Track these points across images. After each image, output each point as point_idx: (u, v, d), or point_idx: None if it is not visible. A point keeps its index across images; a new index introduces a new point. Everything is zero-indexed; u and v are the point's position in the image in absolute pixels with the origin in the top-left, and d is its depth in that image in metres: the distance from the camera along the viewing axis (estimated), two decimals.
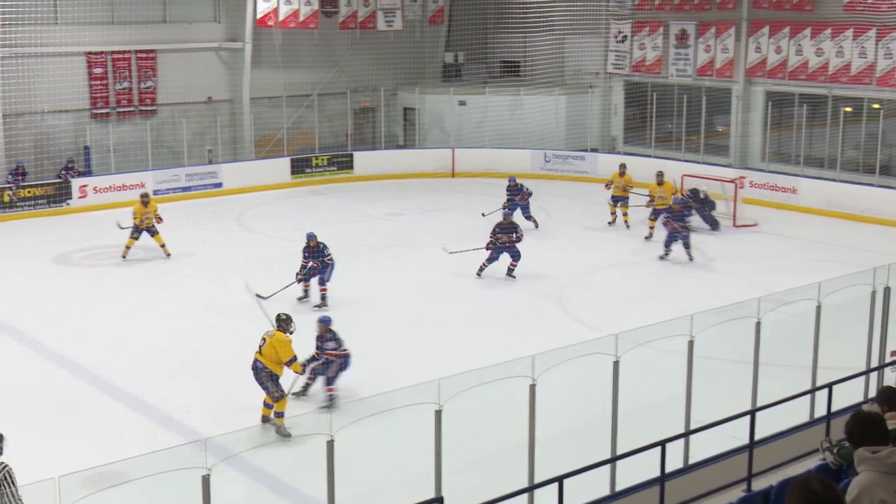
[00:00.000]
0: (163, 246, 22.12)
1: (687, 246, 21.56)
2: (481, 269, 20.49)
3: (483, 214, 24.62)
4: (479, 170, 31.73)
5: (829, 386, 10.69)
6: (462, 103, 33.22)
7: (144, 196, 22.34)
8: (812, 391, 11.37)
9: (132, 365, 15.59)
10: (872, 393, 11.35)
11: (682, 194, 24.47)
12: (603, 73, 33.29)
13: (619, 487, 9.86)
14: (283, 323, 13.36)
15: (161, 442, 11.91)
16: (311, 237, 18.77)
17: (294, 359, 13.11)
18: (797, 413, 11.23)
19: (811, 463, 9.04)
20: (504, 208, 22.78)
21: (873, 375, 12.06)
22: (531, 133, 32.59)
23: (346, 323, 17.51)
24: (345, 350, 13.97)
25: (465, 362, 12.38)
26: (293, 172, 30.94)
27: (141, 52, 29.58)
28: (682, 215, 21.68)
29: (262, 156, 31.56)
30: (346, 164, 31.85)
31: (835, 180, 26.83)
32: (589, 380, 11.91)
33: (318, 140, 32.26)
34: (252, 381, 13.19)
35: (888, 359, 12.19)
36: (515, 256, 20.36)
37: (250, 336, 14.17)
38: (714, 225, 24.70)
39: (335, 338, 13.98)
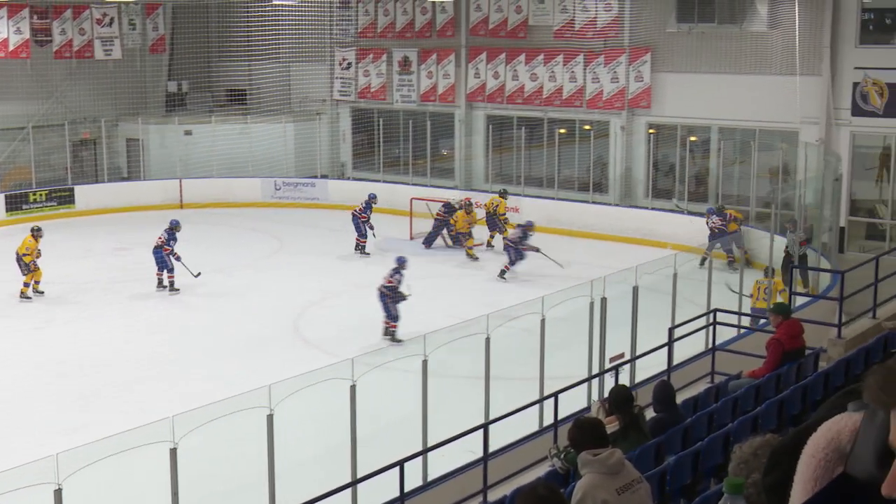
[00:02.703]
0: (37, 283, 20.88)
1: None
2: None
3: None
4: (208, 200, 31.17)
5: (556, 395, 11.22)
6: (188, 133, 32.56)
7: (38, 230, 21.27)
8: (540, 401, 11.87)
9: None
10: (595, 398, 11.99)
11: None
12: (329, 100, 33.55)
13: None
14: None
15: None
16: (175, 223, 21.66)
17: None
18: (527, 423, 11.70)
19: (542, 470, 9.44)
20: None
21: (595, 381, 12.74)
22: (260, 161, 32.36)
23: (75, 364, 16.83)
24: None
25: (201, 397, 12.13)
26: (8, 209, 29.28)
27: None
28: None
29: None
30: (66, 198, 30.50)
31: (553, 198, 28.16)
32: (327, 406, 11.95)
33: (34, 174, 30.70)
34: None
35: (607, 365, 12.92)
36: None
37: None
38: (456, 242, 25.52)
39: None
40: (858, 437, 1.98)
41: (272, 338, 18.41)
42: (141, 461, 9.58)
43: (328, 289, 21.86)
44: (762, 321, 15.21)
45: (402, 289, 18.17)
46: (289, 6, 31.60)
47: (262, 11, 31.37)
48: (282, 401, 9.64)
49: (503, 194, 25.94)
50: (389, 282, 18.37)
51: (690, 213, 25.79)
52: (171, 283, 21.31)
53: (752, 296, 17.70)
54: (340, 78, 33.23)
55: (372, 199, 25.26)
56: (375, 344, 17.20)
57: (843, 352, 12.22)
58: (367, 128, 33.16)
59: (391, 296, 18.19)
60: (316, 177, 32.47)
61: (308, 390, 9.89)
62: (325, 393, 10.41)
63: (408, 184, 30.14)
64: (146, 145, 32.62)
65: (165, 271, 21.37)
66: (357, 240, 24.75)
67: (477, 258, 24.35)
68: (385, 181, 31.07)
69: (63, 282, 21.67)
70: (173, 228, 21.62)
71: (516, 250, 22.46)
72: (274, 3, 31.30)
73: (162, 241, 21.45)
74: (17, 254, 20.75)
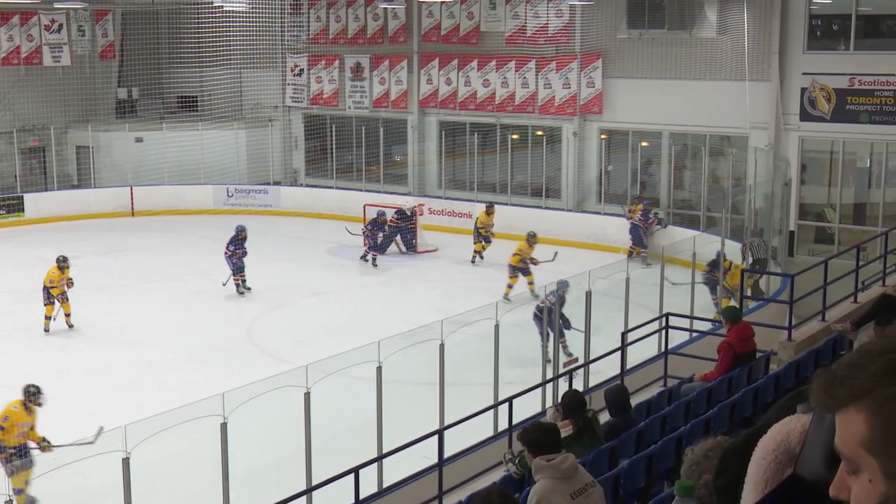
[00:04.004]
0: (68, 315, 19.37)
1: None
2: None
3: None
4: (159, 208, 30.92)
5: (510, 400, 11.25)
6: (139, 140, 32.27)
7: (62, 260, 19.43)
8: (495, 406, 11.90)
9: None
10: (549, 403, 12.04)
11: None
12: (282, 107, 33.41)
13: None
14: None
15: None
16: (241, 229, 21.75)
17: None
18: (482, 428, 11.72)
19: (497, 475, 9.46)
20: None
21: (549, 386, 12.79)
22: (212, 168, 32.15)
23: (20, 373, 16.59)
24: None
25: (155, 406, 12.03)
26: None
27: None
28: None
29: None
30: (16, 206, 30.12)
31: (507, 204, 28.20)
32: (282, 413, 11.90)
33: None
34: None
35: (561, 370, 12.98)
36: None
37: None
38: (410, 248, 25.48)
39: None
40: (807, 439, 2.01)
41: (226, 345, 18.30)
42: (94, 470, 9.49)
43: (282, 296, 21.77)
44: (715, 324, 15.39)
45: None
46: (240, 12, 31.43)
47: (212, 17, 31.14)
48: (235, 409, 9.58)
49: (488, 207, 25.28)
50: (543, 303, 17.58)
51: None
52: (242, 282, 21.75)
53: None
54: (292, 84, 33.12)
55: (380, 215, 25.12)
56: (329, 351, 17.14)
57: (793, 354, 12.38)
58: (319, 134, 33.06)
59: (541, 316, 17.24)
60: (269, 183, 32.32)
61: (262, 398, 9.84)
62: (279, 400, 10.36)
63: (361, 190, 30.09)
64: (96, 152, 32.29)
65: (237, 273, 21.82)
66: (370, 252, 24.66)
67: (537, 296, 20.31)
68: (338, 187, 31.03)
69: (15, 290, 21.41)
70: (237, 234, 21.87)
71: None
72: (224, 9, 31.11)
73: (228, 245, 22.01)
74: (44, 285, 19.37)
